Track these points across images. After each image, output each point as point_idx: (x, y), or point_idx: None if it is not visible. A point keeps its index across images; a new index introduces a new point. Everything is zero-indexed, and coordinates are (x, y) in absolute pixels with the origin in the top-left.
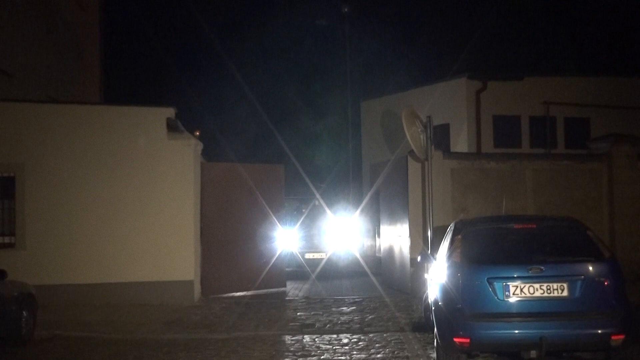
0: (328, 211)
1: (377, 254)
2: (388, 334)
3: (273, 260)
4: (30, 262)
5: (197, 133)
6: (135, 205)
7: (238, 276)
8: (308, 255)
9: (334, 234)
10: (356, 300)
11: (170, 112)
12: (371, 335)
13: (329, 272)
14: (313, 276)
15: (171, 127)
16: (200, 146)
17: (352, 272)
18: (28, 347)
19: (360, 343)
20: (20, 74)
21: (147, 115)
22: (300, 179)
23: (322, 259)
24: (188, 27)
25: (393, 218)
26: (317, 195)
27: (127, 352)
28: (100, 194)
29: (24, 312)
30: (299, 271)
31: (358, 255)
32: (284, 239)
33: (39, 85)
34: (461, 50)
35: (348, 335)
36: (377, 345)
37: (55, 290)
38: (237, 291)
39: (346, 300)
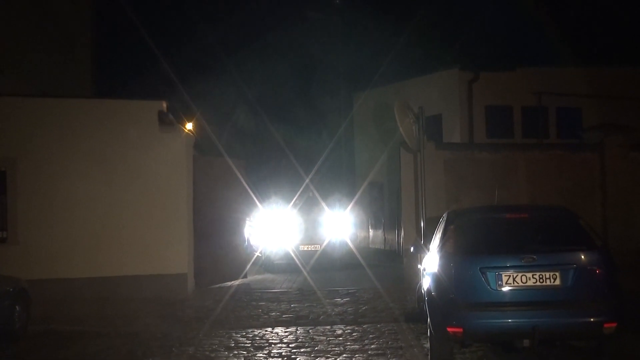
0: (322, 203)
1: (370, 245)
2: (382, 324)
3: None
4: (23, 257)
5: (190, 126)
6: (128, 199)
7: (226, 268)
8: (302, 248)
9: (328, 226)
10: (350, 291)
11: (161, 105)
12: (365, 326)
13: (324, 265)
14: (307, 268)
15: (163, 120)
16: (192, 139)
17: (347, 264)
18: (21, 342)
19: (354, 334)
20: (11, 68)
21: (139, 108)
22: (294, 170)
23: (316, 251)
24: (179, 19)
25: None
26: (312, 187)
27: (120, 345)
28: (92, 188)
29: (16, 307)
30: (293, 263)
31: (352, 247)
32: (264, 231)
33: (30, 79)
34: (453, 41)
35: (342, 327)
36: (370, 336)
37: (48, 285)
38: (223, 282)
39: (340, 291)
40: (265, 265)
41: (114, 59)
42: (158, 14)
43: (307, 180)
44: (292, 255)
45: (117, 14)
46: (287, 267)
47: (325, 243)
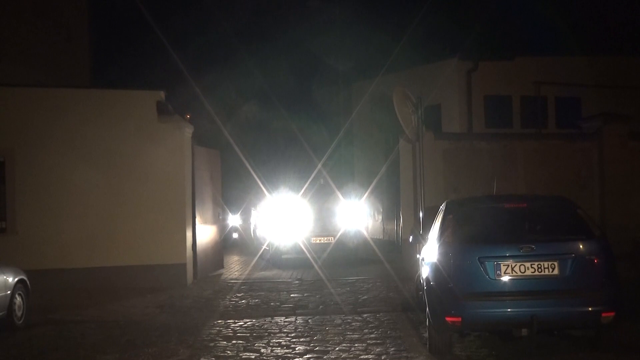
0: (337, 192)
1: (369, 236)
2: (381, 314)
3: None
4: (22, 247)
5: (188, 116)
6: (127, 188)
7: (218, 257)
8: (314, 240)
9: (341, 216)
10: (349, 281)
11: (160, 95)
12: (365, 315)
13: (338, 259)
14: (320, 263)
15: (161, 110)
16: (191, 129)
17: (364, 259)
18: (21, 332)
19: (353, 324)
20: (8, 58)
21: (137, 98)
22: (302, 159)
23: (329, 243)
24: (178, 9)
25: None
26: (325, 174)
27: (120, 335)
28: (91, 178)
29: (16, 297)
30: (303, 257)
31: (369, 238)
32: (271, 222)
33: (28, 68)
34: (452, 31)
35: (341, 316)
36: (370, 325)
37: (47, 275)
38: (214, 271)
39: (340, 281)
40: (273, 259)
41: (113, 48)
42: (156, 5)
43: (319, 166)
44: (303, 248)
45: (115, 3)
46: (297, 261)
47: (339, 234)
